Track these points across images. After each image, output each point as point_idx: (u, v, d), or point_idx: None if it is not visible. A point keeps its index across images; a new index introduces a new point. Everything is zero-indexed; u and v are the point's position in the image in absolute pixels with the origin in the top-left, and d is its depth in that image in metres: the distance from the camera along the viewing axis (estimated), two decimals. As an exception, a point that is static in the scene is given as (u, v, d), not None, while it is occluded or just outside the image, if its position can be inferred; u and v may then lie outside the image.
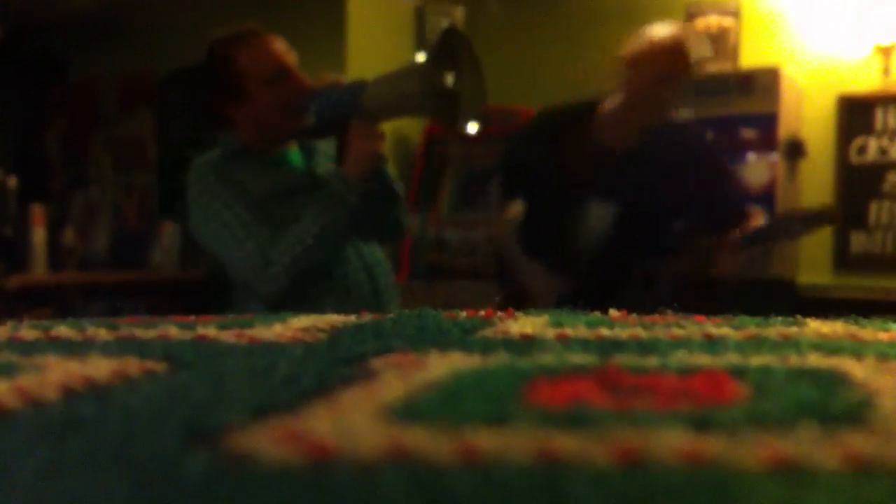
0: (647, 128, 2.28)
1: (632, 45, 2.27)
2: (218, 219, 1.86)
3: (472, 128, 1.80)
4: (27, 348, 0.60)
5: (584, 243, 2.27)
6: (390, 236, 2.13)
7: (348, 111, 1.81)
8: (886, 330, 0.65)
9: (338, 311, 0.84)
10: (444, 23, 1.75)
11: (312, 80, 1.92)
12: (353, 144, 1.80)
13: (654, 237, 2.39)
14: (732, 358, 0.51)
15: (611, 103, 2.30)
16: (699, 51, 2.23)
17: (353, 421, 0.36)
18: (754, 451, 0.31)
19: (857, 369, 0.46)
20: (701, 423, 0.34)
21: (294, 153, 2.01)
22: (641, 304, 0.86)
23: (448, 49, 1.74)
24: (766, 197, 3.71)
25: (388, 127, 1.87)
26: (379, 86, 1.80)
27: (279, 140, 1.97)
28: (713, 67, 4.22)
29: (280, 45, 1.94)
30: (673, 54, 2.22)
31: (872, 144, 4.01)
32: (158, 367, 0.51)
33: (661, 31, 2.24)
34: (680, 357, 0.52)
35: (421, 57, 1.68)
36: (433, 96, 1.72)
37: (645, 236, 2.34)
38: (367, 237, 2.01)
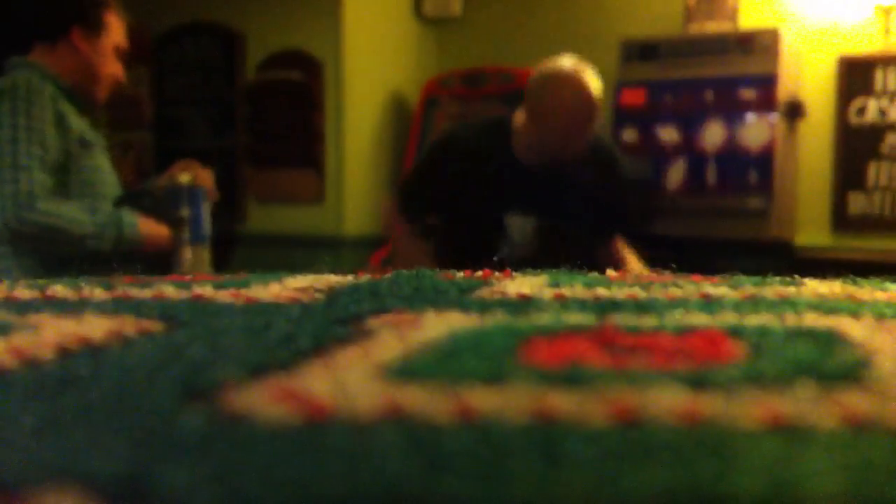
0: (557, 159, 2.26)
1: (534, 85, 2.21)
2: (13, 131, 1.83)
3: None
4: (22, 307, 0.60)
5: (506, 255, 2.27)
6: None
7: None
8: (884, 290, 0.65)
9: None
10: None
11: None
12: (149, 229, 1.97)
13: (575, 251, 2.38)
14: (730, 317, 0.51)
15: (522, 124, 2.26)
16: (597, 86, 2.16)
17: (350, 380, 0.36)
18: (751, 410, 0.31)
19: (854, 329, 0.46)
20: (698, 383, 0.34)
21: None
22: None
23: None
24: (766, 157, 3.71)
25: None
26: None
27: (89, 95, 2.02)
28: (712, 27, 4.19)
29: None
30: (574, 111, 2.16)
31: (872, 105, 3.99)
32: (154, 326, 0.51)
33: (559, 79, 2.16)
34: (677, 317, 0.52)
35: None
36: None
37: (565, 250, 2.34)
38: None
